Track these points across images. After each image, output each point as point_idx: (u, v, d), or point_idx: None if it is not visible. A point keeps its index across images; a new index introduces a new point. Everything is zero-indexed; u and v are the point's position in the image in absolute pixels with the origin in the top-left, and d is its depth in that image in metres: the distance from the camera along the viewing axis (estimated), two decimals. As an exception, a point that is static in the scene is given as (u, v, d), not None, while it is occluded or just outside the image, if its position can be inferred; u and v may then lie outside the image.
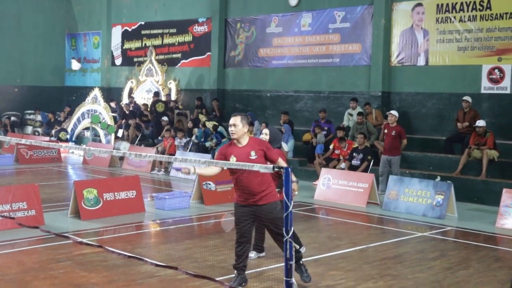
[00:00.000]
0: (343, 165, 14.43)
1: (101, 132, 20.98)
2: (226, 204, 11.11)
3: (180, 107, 21.58)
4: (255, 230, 7.69)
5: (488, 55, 14.86)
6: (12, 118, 25.00)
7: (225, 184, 12.03)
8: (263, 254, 8.00)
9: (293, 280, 5.34)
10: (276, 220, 6.47)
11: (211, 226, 10.41)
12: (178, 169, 6.90)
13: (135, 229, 10.09)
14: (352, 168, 13.96)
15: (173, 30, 22.43)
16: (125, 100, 23.25)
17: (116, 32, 24.75)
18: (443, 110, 15.81)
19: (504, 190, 10.85)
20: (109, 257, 7.82)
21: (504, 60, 14.62)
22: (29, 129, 25.19)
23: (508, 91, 14.61)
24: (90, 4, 25.95)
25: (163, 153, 17.05)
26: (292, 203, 5.21)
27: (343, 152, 14.78)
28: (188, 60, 21.95)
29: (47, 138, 21.24)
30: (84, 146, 16.50)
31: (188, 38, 21.93)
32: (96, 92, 21.95)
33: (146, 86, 22.99)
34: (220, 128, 17.86)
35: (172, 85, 22.23)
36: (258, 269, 7.47)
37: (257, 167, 5.51)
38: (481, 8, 14.93)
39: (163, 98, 21.61)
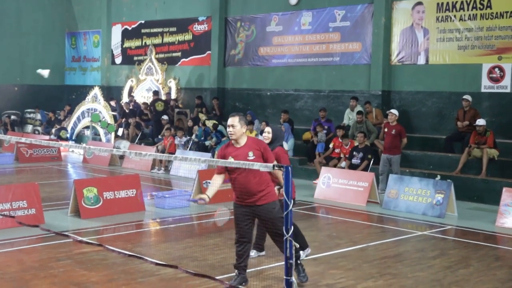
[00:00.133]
0: (343, 164, 14.42)
1: (101, 131, 20.98)
2: (227, 203, 11.08)
3: (180, 105, 21.58)
4: (256, 228, 7.70)
5: (488, 54, 14.85)
6: (12, 117, 25.02)
7: (225, 183, 11.97)
8: (263, 253, 8.00)
9: (293, 278, 5.35)
10: (275, 220, 6.46)
11: (211, 225, 10.41)
12: (194, 201, 6.94)
13: (135, 228, 10.10)
14: (352, 167, 13.96)
15: (173, 29, 22.42)
16: (125, 99, 23.25)
17: (116, 31, 24.74)
18: (443, 109, 15.80)
19: (504, 189, 10.85)
20: (109, 255, 7.82)
21: (504, 59, 14.61)
22: (29, 127, 25.20)
23: (508, 90, 14.60)
24: (90, 3, 25.94)
25: (163, 152, 17.05)
26: (292, 202, 5.21)
27: (345, 150, 14.77)
28: (188, 58, 21.94)
29: (47, 137, 21.23)
30: (84, 145, 16.50)
31: (188, 36, 21.93)
32: (96, 90, 21.94)
33: (146, 84, 22.99)
34: (220, 127, 17.86)
35: (172, 83, 22.22)
36: (258, 268, 7.47)
37: (257, 165, 5.51)
38: (481, 7, 14.92)
39: (163, 97, 21.62)
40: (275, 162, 6.68)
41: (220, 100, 20.26)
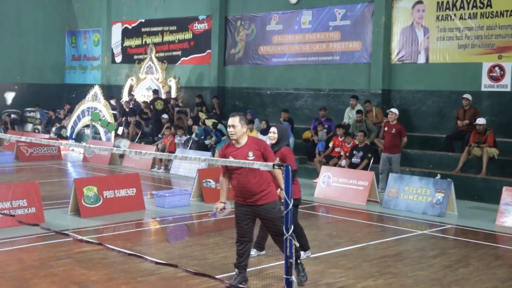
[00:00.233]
0: (343, 162, 14.42)
1: (101, 130, 20.96)
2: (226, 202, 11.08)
3: (180, 104, 21.57)
4: (259, 229, 7.70)
5: (489, 52, 14.85)
6: (12, 116, 25.01)
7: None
8: (263, 252, 8.00)
9: (293, 278, 5.34)
10: (276, 220, 6.46)
11: (211, 224, 10.40)
12: (214, 214, 6.93)
13: (135, 227, 10.10)
14: (352, 166, 13.96)
15: (173, 28, 22.42)
16: (125, 97, 23.24)
17: (116, 30, 24.73)
18: (443, 108, 15.80)
19: (504, 188, 10.85)
20: (109, 254, 7.82)
21: (504, 58, 14.60)
22: (29, 126, 25.19)
23: (508, 89, 14.59)
24: (90, 2, 25.93)
25: (163, 150, 17.04)
26: (292, 201, 5.20)
27: (346, 148, 14.75)
28: (188, 57, 21.94)
29: (47, 136, 21.23)
30: (84, 144, 16.51)
31: (188, 35, 21.92)
32: (96, 89, 21.92)
33: (146, 83, 22.98)
34: (220, 126, 17.86)
35: (172, 82, 22.22)
36: (258, 267, 7.47)
37: (257, 164, 5.51)
38: (481, 5, 14.91)
39: (163, 96, 21.61)
40: (276, 161, 6.69)
41: (220, 99, 20.25)
